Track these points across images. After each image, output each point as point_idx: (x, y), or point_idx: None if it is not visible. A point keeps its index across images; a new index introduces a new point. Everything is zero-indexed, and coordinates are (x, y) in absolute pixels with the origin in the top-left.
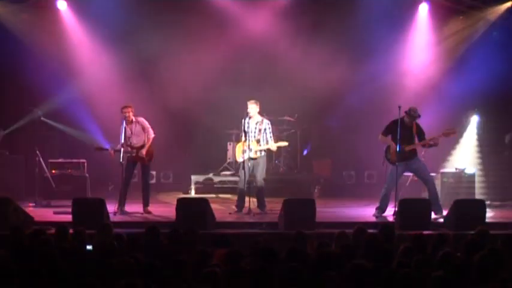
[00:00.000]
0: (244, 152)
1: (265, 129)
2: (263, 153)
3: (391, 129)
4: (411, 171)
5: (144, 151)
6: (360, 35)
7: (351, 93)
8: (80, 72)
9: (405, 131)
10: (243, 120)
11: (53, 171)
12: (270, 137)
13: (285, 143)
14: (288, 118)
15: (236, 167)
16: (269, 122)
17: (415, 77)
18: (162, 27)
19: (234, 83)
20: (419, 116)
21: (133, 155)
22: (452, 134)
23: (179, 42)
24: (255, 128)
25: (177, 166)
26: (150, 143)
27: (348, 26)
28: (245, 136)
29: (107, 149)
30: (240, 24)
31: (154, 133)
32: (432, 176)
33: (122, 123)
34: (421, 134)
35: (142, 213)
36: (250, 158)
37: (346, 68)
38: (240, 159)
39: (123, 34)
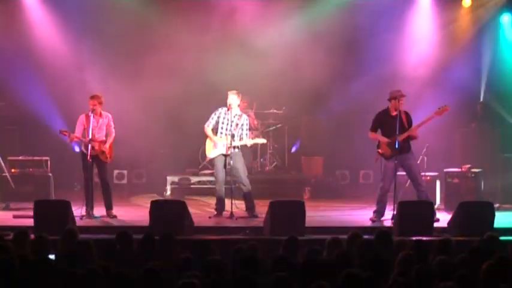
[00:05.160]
0: (215, 147)
1: (242, 125)
2: (237, 149)
3: (379, 121)
4: (403, 168)
5: (106, 147)
6: (355, 21)
7: (345, 83)
8: (46, 62)
9: (393, 122)
10: (218, 110)
11: (13, 170)
12: (246, 134)
13: (263, 140)
14: (275, 111)
15: (211, 164)
16: (247, 118)
17: (416, 66)
18: (138, 12)
19: (216, 74)
20: (402, 96)
21: (96, 148)
22: (445, 110)
23: (156, 31)
24: (232, 122)
25: (150, 165)
26: (112, 141)
27: (342, 12)
28: (219, 129)
29: (70, 133)
30: (223, 11)
31: (116, 129)
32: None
33: (89, 115)
34: (409, 123)
35: (107, 217)
36: (222, 155)
37: (340, 56)
38: (211, 155)
39: (94, 21)
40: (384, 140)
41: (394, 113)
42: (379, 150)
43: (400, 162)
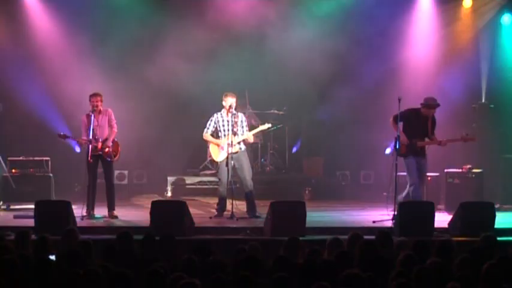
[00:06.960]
0: (221, 149)
1: (241, 121)
2: (243, 147)
3: (406, 117)
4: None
5: (109, 145)
6: (356, 19)
7: (346, 84)
8: (47, 62)
9: (420, 124)
10: (214, 115)
11: (13, 171)
12: (246, 130)
13: (266, 125)
14: (276, 111)
15: (217, 167)
16: (243, 115)
17: (417, 66)
18: (139, 13)
19: (217, 75)
20: (438, 105)
21: (98, 148)
22: (471, 140)
23: (157, 29)
24: (231, 121)
25: (151, 165)
26: (113, 137)
27: (343, 10)
28: (220, 132)
29: (71, 137)
30: (223, 8)
31: (117, 128)
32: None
33: (90, 115)
34: (433, 128)
35: (108, 218)
36: (230, 153)
37: (340, 56)
38: (219, 158)
39: (95, 22)
40: (404, 138)
41: (424, 118)
42: (396, 146)
43: (416, 161)
